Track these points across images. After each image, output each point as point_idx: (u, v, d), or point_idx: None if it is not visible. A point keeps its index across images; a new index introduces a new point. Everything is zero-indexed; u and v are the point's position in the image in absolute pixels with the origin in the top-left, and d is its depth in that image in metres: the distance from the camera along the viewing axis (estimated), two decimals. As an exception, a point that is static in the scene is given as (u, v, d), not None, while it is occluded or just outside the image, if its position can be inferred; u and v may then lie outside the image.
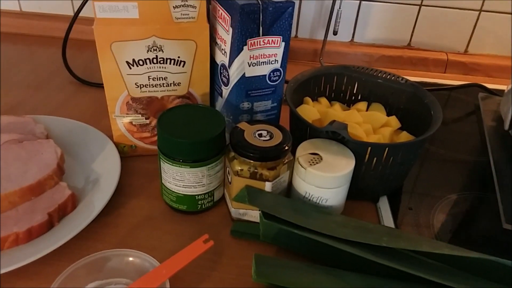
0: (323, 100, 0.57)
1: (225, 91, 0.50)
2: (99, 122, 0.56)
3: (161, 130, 0.42)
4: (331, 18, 0.75)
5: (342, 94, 0.58)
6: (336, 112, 0.53)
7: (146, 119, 0.51)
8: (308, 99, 0.55)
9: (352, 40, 0.81)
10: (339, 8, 0.73)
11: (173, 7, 0.45)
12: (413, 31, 0.79)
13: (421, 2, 0.76)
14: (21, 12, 0.82)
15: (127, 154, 0.53)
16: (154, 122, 0.52)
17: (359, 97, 0.58)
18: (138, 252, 0.38)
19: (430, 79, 0.76)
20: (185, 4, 0.45)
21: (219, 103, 0.53)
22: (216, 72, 0.51)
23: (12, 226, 0.40)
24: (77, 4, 0.81)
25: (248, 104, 0.49)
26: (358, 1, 0.77)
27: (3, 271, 0.37)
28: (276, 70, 0.48)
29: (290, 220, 0.40)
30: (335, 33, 0.75)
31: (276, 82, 0.49)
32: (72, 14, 0.81)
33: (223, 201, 0.48)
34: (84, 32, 0.77)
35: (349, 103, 0.59)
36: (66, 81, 0.69)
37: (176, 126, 0.43)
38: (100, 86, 0.67)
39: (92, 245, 0.42)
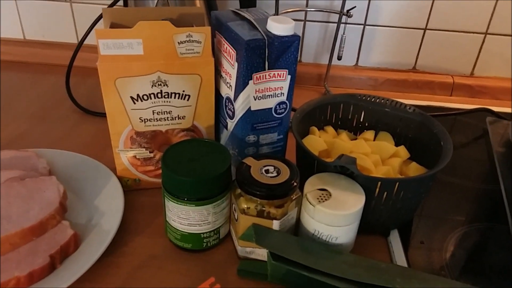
0: (330, 129, 0.56)
1: (231, 124, 0.49)
2: (103, 154, 0.56)
3: (165, 168, 0.42)
4: (335, 43, 0.74)
5: (348, 123, 0.58)
6: (344, 142, 0.52)
7: (150, 152, 0.51)
8: (314, 129, 0.55)
9: (356, 64, 0.81)
10: (343, 33, 0.73)
11: (178, 42, 0.45)
12: (418, 54, 0.79)
13: (426, 26, 0.76)
14: (24, 40, 0.83)
15: (130, 188, 0.53)
16: (158, 155, 0.51)
17: (366, 125, 0.57)
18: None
19: (436, 103, 0.75)
20: (190, 40, 0.45)
21: (224, 136, 0.52)
22: (221, 104, 0.51)
23: (13, 269, 0.39)
24: (80, 32, 0.81)
25: (254, 137, 0.49)
26: (362, 26, 0.77)
27: (3, 318, 0.36)
28: (282, 102, 0.48)
29: (299, 261, 0.38)
30: (339, 58, 0.74)
31: (282, 115, 0.48)
32: (75, 42, 0.81)
33: (229, 238, 0.47)
34: (89, 59, 0.77)
35: (356, 131, 0.58)
36: (69, 110, 0.68)
37: (181, 163, 0.42)
38: (104, 115, 0.67)
39: (94, 287, 0.41)
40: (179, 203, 0.42)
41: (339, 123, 0.58)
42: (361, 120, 0.57)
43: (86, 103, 0.68)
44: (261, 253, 0.43)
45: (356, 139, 0.55)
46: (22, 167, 0.49)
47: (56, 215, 0.43)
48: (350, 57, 0.80)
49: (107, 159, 0.53)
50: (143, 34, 0.44)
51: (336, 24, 0.73)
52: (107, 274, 0.42)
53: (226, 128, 0.51)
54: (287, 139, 0.51)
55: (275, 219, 0.41)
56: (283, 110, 0.48)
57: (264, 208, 0.41)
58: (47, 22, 0.81)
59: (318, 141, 0.52)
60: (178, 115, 0.49)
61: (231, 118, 0.49)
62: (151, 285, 0.41)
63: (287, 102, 0.48)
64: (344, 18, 0.72)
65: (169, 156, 0.43)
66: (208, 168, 0.42)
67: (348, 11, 0.71)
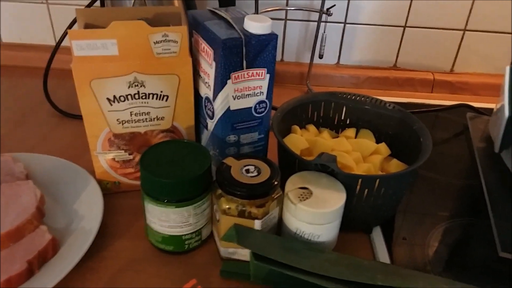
0: (312, 128, 0.56)
1: (211, 124, 0.49)
2: (82, 157, 0.55)
3: (144, 170, 0.41)
4: (316, 42, 0.74)
5: (330, 121, 0.58)
6: (325, 140, 0.52)
7: (129, 154, 0.50)
8: (296, 127, 0.54)
9: (338, 62, 0.81)
10: (324, 32, 0.73)
11: (154, 42, 0.44)
12: (398, 52, 0.79)
13: (405, 24, 0.76)
14: (1, 43, 0.81)
15: (110, 191, 0.52)
16: (137, 157, 0.50)
17: (347, 123, 0.57)
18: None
19: (417, 100, 0.76)
20: (166, 40, 0.45)
21: (205, 136, 0.51)
22: (200, 105, 0.50)
23: (-11, 277, 0.38)
24: (58, 33, 0.80)
25: (234, 137, 0.48)
26: (343, 24, 0.77)
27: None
28: (261, 101, 0.47)
29: (281, 261, 0.38)
30: (320, 56, 0.75)
31: (262, 114, 0.48)
32: (53, 43, 0.80)
33: (211, 239, 0.46)
34: (67, 61, 0.75)
35: (337, 129, 0.58)
36: (48, 114, 0.67)
37: (160, 165, 0.42)
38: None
39: (74, 293, 0.40)
40: (159, 205, 0.41)
41: (321, 121, 0.58)
42: (342, 118, 0.57)
43: (65, 105, 0.67)
44: (244, 254, 0.43)
45: (337, 137, 0.55)
46: (-3, 172, 0.48)
47: (33, 220, 0.42)
48: (332, 55, 0.80)
49: (86, 162, 0.52)
50: (118, 34, 0.43)
51: (316, 23, 0.73)
52: (87, 279, 0.41)
53: (207, 129, 0.50)
54: (268, 138, 0.51)
55: (257, 218, 0.41)
56: (263, 109, 0.48)
57: (245, 208, 0.41)
58: (24, 24, 0.79)
59: (300, 140, 0.52)
60: (156, 116, 0.49)
61: (211, 118, 0.48)
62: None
63: (266, 101, 0.48)
64: (324, 17, 0.72)
65: (148, 158, 0.42)
66: (187, 169, 0.41)
67: (327, 9, 0.72)
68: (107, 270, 0.43)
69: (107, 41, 0.43)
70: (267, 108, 0.48)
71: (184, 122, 0.50)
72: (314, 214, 0.40)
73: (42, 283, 0.39)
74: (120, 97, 0.46)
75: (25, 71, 0.78)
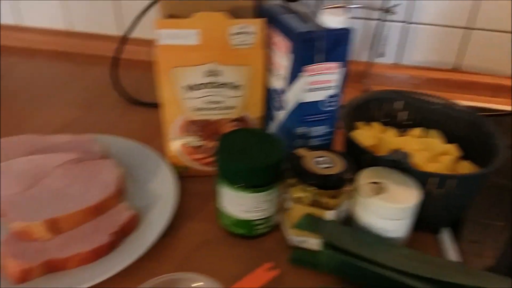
0: (376, 125, 0.56)
1: (279, 115, 0.50)
2: (150, 143, 0.57)
3: (223, 155, 0.43)
4: (377, 40, 0.74)
5: (394, 119, 0.57)
6: (391, 138, 0.52)
7: (201, 141, 0.52)
8: (361, 124, 0.55)
9: (397, 62, 0.80)
10: (386, 31, 0.73)
11: (232, 34, 0.46)
12: (461, 54, 0.78)
13: (470, 25, 0.75)
14: (70, 31, 0.85)
15: (179, 175, 0.54)
16: (208, 144, 0.52)
17: (413, 122, 0.57)
18: (206, 277, 0.37)
19: (479, 104, 0.74)
20: (244, 31, 0.46)
21: (272, 127, 0.53)
22: (269, 96, 0.52)
23: (76, 246, 0.41)
24: (124, 25, 0.83)
25: (303, 129, 0.49)
26: (404, 23, 0.76)
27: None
28: (332, 96, 0.48)
29: (355, 252, 0.39)
30: (381, 55, 0.74)
31: (332, 108, 0.49)
32: (119, 34, 0.83)
33: (277, 227, 0.48)
34: (132, 52, 0.80)
35: (402, 128, 0.58)
36: (115, 101, 0.70)
37: (236, 151, 0.43)
38: (149, 106, 0.68)
39: (152, 266, 0.42)
40: (235, 189, 0.43)
41: (385, 120, 0.57)
42: (408, 117, 0.57)
43: (130, 94, 0.70)
44: (313, 243, 0.44)
45: (402, 136, 0.55)
46: (78, 151, 0.51)
47: (115, 197, 0.45)
48: (391, 54, 0.79)
49: (154, 147, 0.55)
50: (201, 24, 0.45)
51: (376, 21, 0.73)
52: (164, 255, 0.44)
53: (275, 120, 0.51)
54: (335, 133, 0.51)
55: (329, 209, 0.42)
56: (333, 103, 0.48)
57: (318, 198, 0.41)
58: (93, 14, 0.83)
59: (366, 136, 0.52)
60: (228, 105, 0.50)
61: (280, 110, 0.49)
62: (206, 267, 0.42)
63: (337, 95, 0.48)
64: (386, 15, 0.71)
65: (225, 143, 0.44)
66: (264, 156, 0.43)
67: (391, 8, 0.71)
68: (182, 249, 0.45)
69: (190, 31, 0.45)
70: (337, 102, 0.49)
71: (254, 112, 0.51)
72: (389, 209, 0.41)
73: (126, 256, 0.41)
74: (196, 85, 0.48)
75: (92, 60, 0.82)
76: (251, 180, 0.42)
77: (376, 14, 0.76)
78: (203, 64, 0.47)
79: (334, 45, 0.45)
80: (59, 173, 0.46)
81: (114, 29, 0.83)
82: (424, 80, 0.78)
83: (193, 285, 0.37)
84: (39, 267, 0.39)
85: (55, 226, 0.42)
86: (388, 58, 0.80)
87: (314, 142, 0.51)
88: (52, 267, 0.40)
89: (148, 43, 0.81)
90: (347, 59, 0.46)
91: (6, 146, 0.51)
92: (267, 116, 0.53)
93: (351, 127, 0.53)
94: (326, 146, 0.52)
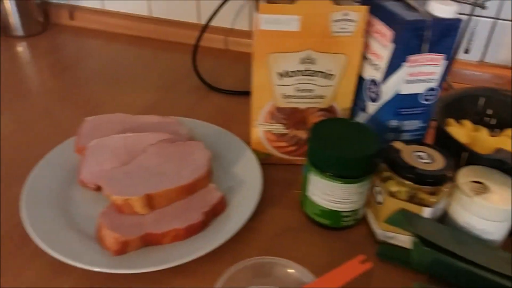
0: (468, 123, 0.53)
1: (372, 107, 0.49)
2: (230, 128, 0.58)
3: (315, 142, 0.42)
4: (465, 36, 0.70)
5: (486, 118, 0.54)
6: (486, 137, 0.50)
7: (286, 129, 0.52)
8: (452, 121, 0.52)
9: (482, 60, 0.76)
10: (474, 26, 0.69)
11: (334, 21, 0.45)
12: (555, 54, 0.72)
13: None
14: (151, 17, 0.88)
15: (261, 162, 0.54)
16: (293, 132, 0.52)
17: (506, 122, 0.54)
18: (297, 265, 0.37)
19: None
20: (345, 18, 0.45)
21: (361, 119, 0.52)
22: (361, 87, 0.50)
23: (171, 222, 0.42)
24: (204, 13, 0.84)
25: (396, 122, 0.48)
26: (493, 20, 0.72)
27: (164, 266, 0.39)
28: (432, 89, 0.46)
29: (454, 251, 0.37)
30: (466, 51, 0.71)
31: (430, 102, 0.47)
32: (197, 22, 0.85)
33: (363, 220, 0.47)
34: (209, 40, 0.81)
35: (492, 127, 0.55)
36: (193, 86, 0.72)
37: (330, 139, 0.43)
38: (227, 93, 0.69)
39: (241, 248, 0.43)
40: (326, 179, 0.42)
41: (476, 118, 0.55)
42: (501, 116, 0.54)
43: (208, 80, 0.71)
44: (403, 239, 0.43)
45: (494, 136, 0.52)
46: (167, 132, 0.53)
47: (205, 178, 0.46)
48: (475, 52, 0.75)
49: (234, 133, 0.56)
50: (303, 11, 0.44)
51: (467, 16, 0.69)
52: (250, 238, 0.44)
53: (364, 111, 0.50)
54: (428, 128, 0.50)
55: (427, 206, 0.40)
56: (432, 96, 0.47)
57: (416, 194, 0.40)
58: (173, 1, 0.85)
59: (459, 134, 0.50)
60: (319, 94, 0.50)
61: (374, 101, 0.48)
62: (291, 254, 0.42)
63: (437, 89, 0.46)
64: (476, 10, 0.68)
65: (318, 131, 0.44)
66: (357, 147, 0.42)
67: (484, 2, 0.67)
68: (267, 233, 0.45)
69: (291, 17, 0.45)
70: (436, 96, 0.47)
71: (343, 103, 0.51)
72: (492, 210, 0.39)
73: (217, 235, 0.42)
74: (290, 72, 0.48)
75: (170, 46, 0.84)
76: (344, 170, 0.41)
77: (467, 9, 0.73)
78: (300, 51, 0.47)
79: (441, 35, 0.43)
80: (153, 152, 0.48)
81: (194, 17, 0.85)
82: (507, 80, 0.74)
83: (288, 271, 0.37)
84: (136, 240, 0.41)
85: (151, 202, 0.43)
86: (472, 56, 0.76)
87: (406, 136, 0.49)
88: (148, 241, 0.41)
89: (224, 31, 0.83)
90: (453, 52, 0.44)
91: (100, 123, 0.54)
92: (357, 107, 0.52)
93: (444, 124, 0.51)
94: (417, 141, 0.50)
